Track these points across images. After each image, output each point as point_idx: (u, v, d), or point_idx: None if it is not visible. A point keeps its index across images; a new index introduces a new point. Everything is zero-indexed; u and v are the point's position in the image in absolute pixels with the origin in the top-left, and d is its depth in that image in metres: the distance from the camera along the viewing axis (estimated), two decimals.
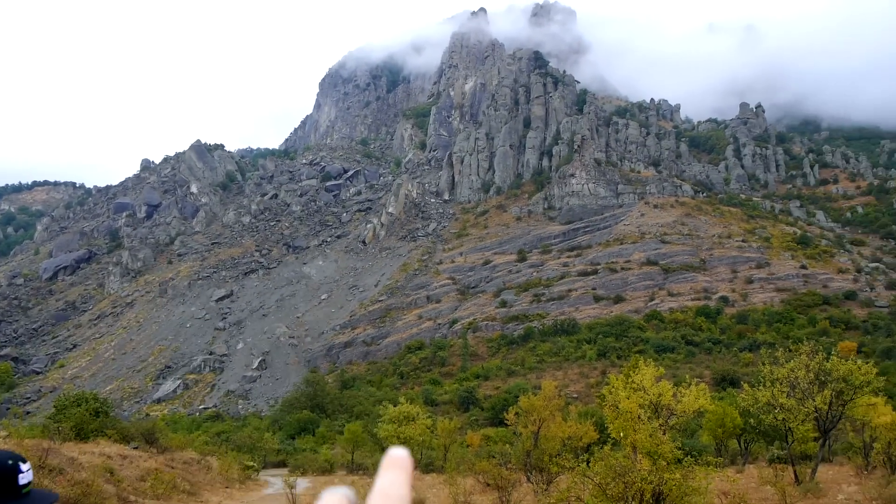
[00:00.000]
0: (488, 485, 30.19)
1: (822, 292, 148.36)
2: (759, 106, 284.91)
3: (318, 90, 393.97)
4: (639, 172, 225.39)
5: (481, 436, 68.68)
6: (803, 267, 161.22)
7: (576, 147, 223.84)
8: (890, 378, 78.41)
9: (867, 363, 30.38)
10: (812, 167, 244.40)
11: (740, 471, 42.58)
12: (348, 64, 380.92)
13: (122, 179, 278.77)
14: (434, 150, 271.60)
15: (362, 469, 59.23)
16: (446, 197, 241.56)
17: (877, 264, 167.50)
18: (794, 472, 30.94)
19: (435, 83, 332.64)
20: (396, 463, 1.19)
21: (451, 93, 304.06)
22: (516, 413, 39.11)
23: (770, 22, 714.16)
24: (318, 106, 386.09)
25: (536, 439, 36.14)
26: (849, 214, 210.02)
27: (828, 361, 29.57)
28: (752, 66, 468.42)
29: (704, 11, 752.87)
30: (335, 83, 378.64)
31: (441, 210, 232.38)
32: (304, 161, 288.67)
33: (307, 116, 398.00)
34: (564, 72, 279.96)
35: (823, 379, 29.63)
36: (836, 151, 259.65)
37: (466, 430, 77.85)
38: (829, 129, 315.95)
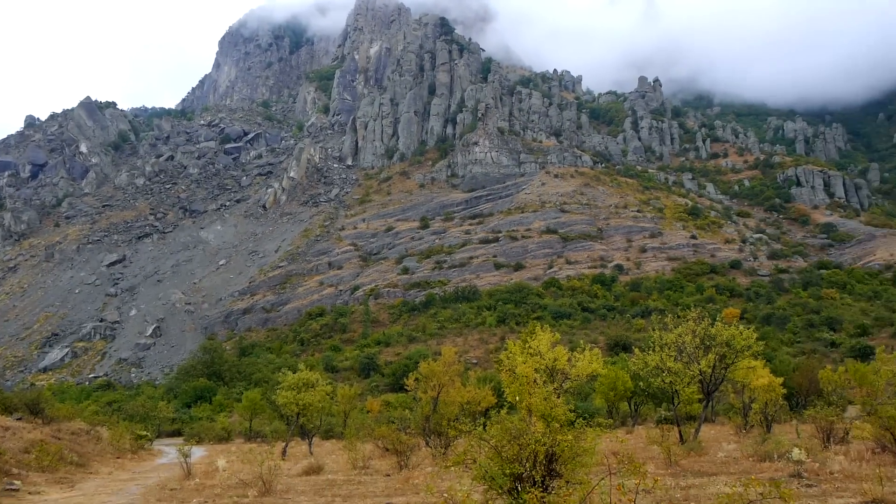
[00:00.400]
0: (387, 450, 30.39)
1: (709, 261, 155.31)
2: (656, 80, 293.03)
3: (217, 49, 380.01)
4: (540, 142, 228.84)
5: (381, 402, 69.08)
6: (693, 237, 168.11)
7: (480, 115, 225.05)
8: (769, 343, 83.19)
9: (748, 329, 32.00)
10: (704, 141, 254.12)
11: (630, 431, 44.43)
12: (249, 23, 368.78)
13: (4, 137, 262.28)
14: (338, 115, 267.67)
15: (260, 437, 58.69)
16: (349, 162, 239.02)
17: (760, 235, 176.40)
18: (679, 432, 32.46)
19: (339, 46, 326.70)
20: None
21: (356, 56, 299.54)
22: (416, 379, 39.44)
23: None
24: (217, 65, 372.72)
25: (436, 404, 36.58)
26: (736, 187, 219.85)
27: (713, 327, 31.02)
28: (652, 41, 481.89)
29: None
30: (235, 42, 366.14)
31: (344, 175, 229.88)
32: (202, 122, 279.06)
33: (206, 76, 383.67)
34: (470, 39, 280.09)
35: (708, 343, 31.07)
36: (727, 127, 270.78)
37: (367, 397, 78.14)
38: (722, 105, 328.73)
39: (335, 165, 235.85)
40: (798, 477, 20.81)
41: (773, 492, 11.71)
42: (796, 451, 23.76)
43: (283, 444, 41.82)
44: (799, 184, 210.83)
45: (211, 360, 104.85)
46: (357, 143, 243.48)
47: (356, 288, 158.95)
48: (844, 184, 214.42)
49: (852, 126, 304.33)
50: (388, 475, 26.72)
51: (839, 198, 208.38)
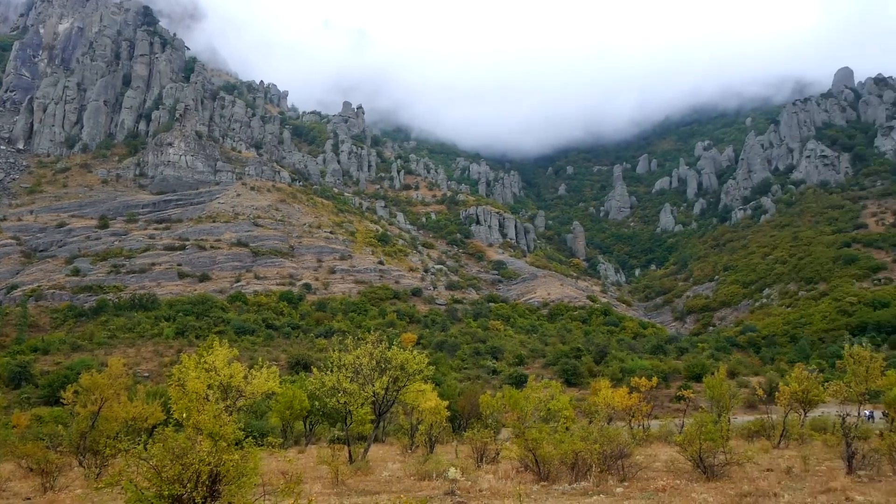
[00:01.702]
0: (31, 469, 27.29)
1: (394, 287, 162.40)
2: (360, 107, 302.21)
3: None
4: (240, 152, 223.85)
5: (32, 416, 62.03)
6: (381, 263, 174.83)
7: (178, 116, 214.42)
8: (440, 368, 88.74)
9: (421, 353, 33.84)
10: (399, 172, 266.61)
11: (303, 451, 44.53)
12: None
13: None
14: (12, 91, 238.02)
15: None
16: (20, 146, 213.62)
17: (441, 266, 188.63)
18: (349, 451, 33.23)
19: (22, 15, 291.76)
20: None
21: (42, 31, 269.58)
22: (76, 391, 35.95)
23: (380, 30, 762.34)
24: None
25: (95, 420, 33.62)
26: (424, 219, 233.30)
27: (389, 350, 32.33)
28: (360, 69, 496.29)
29: (323, 6, 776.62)
30: None
31: (12, 160, 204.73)
32: None
33: None
34: (175, 35, 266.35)
35: (384, 366, 32.30)
36: (421, 161, 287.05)
37: (14, 410, 69.66)
38: (418, 140, 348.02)
39: (2, 147, 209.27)
40: (452, 494, 22.30)
41: None
42: (452, 470, 25.47)
43: None
44: (478, 222, 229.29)
45: None
46: (32, 125, 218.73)
47: (13, 287, 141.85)
48: (516, 226, 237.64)
49: (526, 175, 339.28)
50: (29, 498, 23.97)
51: (511, 238, 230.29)
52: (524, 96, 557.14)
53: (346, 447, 33.74)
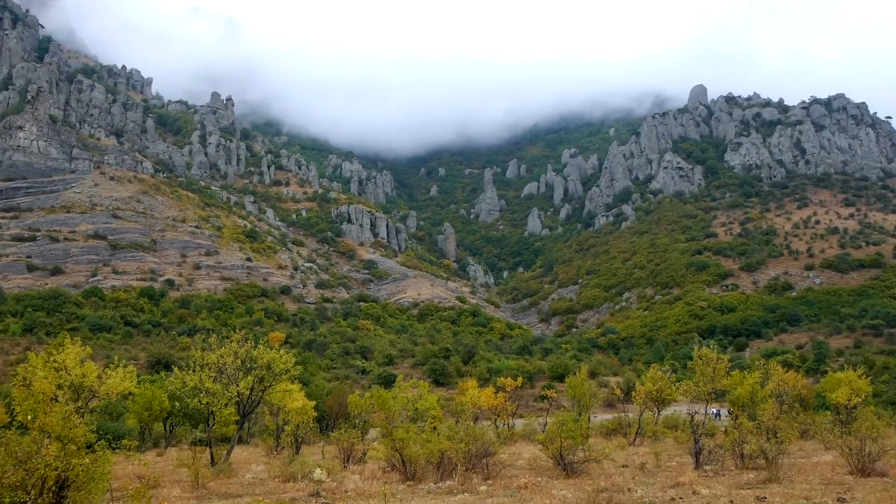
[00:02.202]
0: None
1: (262, 285, 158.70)
2: (229, 99, 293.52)
3: None
4: (98, 140, 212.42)
5: None
6: (249, 259, 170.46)
7: (29, 98, 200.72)
8: (308, 367, 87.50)
9: (288, 353, 33.15)
10: (269, 167, 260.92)
11: (162, 454, 42.70)
12: None
13: None
14: None
15: None
16: None
17: (311, 264, 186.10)
18: (211, 454, 32.11)
19: None
20: None
21: None
22: None
23: (252, 20, 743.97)
24: None
25: None
26: (294, 216, 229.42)
27: (255, 349, 31.47)
28: (230, 60, 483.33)
29: None
30: None
31: None
32: None
33: None
34: (28, 11, 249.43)
35: (250, 366, 31.41)
36: (292, 157, 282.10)
37: None
38: (290, 136, 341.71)
39: None
40: (317, 496, 21.96)
41: None
42: (318, 471, 25.11)
43: None
44: (350, 221, 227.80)
45: None
46: None
47: None
48: (388, 226, 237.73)
49: (399, 175, 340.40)
50: None
51: (382, 238, 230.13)
52: (399, 96, 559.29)
53: (208, 449, 32.59)
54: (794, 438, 33.53)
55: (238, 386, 30.48)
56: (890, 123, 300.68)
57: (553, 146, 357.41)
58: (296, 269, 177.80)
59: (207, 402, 29.67)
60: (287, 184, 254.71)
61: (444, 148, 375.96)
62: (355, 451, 32.35)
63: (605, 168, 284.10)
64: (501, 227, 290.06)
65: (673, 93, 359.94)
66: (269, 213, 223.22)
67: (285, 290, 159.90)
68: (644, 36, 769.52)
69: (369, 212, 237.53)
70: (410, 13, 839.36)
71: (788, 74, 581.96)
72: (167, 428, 50.78)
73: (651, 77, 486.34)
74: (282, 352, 32.69)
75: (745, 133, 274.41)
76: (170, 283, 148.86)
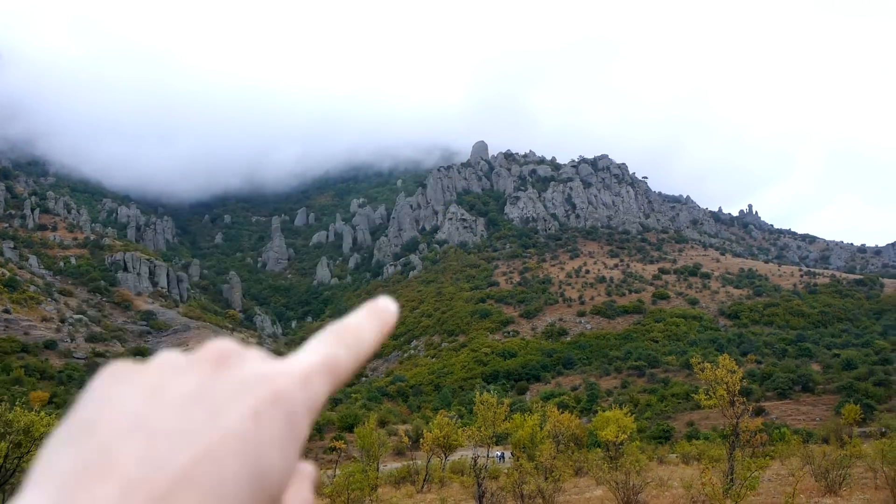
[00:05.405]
0: None
1: (22, 339, 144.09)
2: None
3: None
4: None
5: None
6: (7, 311, 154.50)
7: None
8: None
9: (52, 414, 30.24)
10: (33, 210, 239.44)
11: None
12: None
13: None
14: None
15: None
16: None
17: (81, 316, 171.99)
18: None
19: None
20: (377, 311, 0.89)
21: None
22: None
23: (15, 50, 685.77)
24: None
25: None
26: (62, 264, 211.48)
27: (10, 412, 28.38)
28: None
29: None
30: None
31: None
32: None
33: None
34: None
35: (4, 430, 28.24)
36: (60, 200, 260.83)
37: None
38: (58, 177, 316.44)
39: None
40: None
41: None
42: None
43: None
44: (126, 269, 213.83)
45: None
46: None
47: None
48: (168, 275, 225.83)
49: (181, 222, 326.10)
50: None
51: (162, 287, 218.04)
52: (184, 140, 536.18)
53: None
54: (570, 476, 35.42)
55: None
56: (646, 183, 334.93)
57: (342, 195, 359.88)
58: (63, 321, 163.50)
59: None
60: (54, 228, 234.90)
61: (231, 194, 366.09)
62: None
63: (394, 218, 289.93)
64: (290, 276, 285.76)
65: (460, 147, 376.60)
66: (33, 259, 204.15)
67: (50, 345, 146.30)
68: (432, 90, 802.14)
69: (148, 260, 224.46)
70: (201, 54, 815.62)
71: (560, 134, 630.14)
72: None
73: (438, 130, 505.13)
74: (42, 413, 29.75)
75: (523, 188, 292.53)
76: None
